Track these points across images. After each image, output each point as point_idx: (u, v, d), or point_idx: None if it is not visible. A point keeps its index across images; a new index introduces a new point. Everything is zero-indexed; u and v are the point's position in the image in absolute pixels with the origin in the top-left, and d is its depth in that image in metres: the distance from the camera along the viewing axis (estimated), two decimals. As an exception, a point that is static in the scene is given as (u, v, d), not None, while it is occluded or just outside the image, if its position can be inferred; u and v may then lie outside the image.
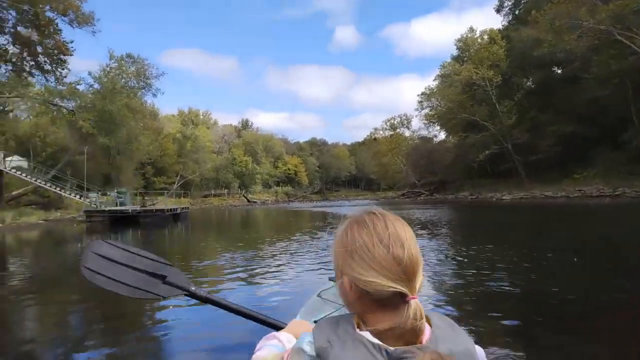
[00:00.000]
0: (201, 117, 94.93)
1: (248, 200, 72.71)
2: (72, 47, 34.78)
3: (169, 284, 1.60)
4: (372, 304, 0.82)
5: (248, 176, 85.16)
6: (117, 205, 28.54)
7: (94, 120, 33.98)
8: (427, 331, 0.82)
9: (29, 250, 15.46)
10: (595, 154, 39.79)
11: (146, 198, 31.50)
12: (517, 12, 55.34)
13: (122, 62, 36.38)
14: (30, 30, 33.36)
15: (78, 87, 35.51)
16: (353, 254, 0.83)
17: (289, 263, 9.33)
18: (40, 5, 30.32)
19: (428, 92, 68.91)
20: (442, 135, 72.81)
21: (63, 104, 34.52)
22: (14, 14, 32.22)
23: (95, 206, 27.55)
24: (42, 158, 43.44)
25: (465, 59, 54.66)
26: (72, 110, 34.33)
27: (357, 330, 0.81)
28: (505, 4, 58.21)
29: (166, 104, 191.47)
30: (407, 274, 0.80)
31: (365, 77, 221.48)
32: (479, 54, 47.97)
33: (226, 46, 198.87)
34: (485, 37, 50.21)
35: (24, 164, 39.23)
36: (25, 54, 34.44)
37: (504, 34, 48.82)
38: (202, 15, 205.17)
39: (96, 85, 36.04)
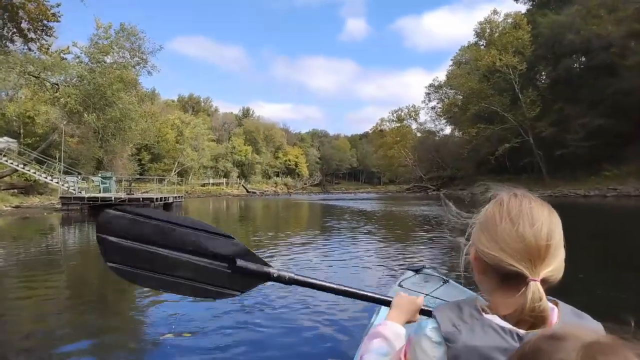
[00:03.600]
0: (202, 104, 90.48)
1: (247, 191, 68.30)
2: (59, 12, 30.19)
3: (240, 271, 1.16)
4: (496, 281, 0.81)
5: (247, 166, 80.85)
6: (100, 192, 24.10)
7: (81, 95, 29.35)
8: (555, 316, 0.78)
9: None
10: (629, 150, 35.51)
11: (133, 185, 26.99)
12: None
13: (109, 31, 31.53)
14: (10, -9, 28.84)
15: (65, 57, 30.89)
16: (482, 226, 0.84)
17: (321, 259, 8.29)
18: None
19: (436, 84, 65.01)
20: (447, 130, 68.86)
21: (46, 77, 29.83)
22: (-10, -28, 27.70)
23: (74, 192, 23.08)
24: (32, 140, 39.18)
25: (483, 45, 50.18)
26: (56, 84, 29.71)
27: (483, 314, 0.78)
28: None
29: (170, 91, 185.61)
30: (531, 254, 0.76)
31: (371, 70, 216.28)
32: (503, 38, 43.34)
33: (234, 35, 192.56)
34: (510, 20, 45.53)
35: (14, 145, 35.71)
36: (5, 19, 29.89)
37: (529, 18, 44.17)
38: (212, 2, 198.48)
39: (84, 57, 31.33)
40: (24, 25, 29.81)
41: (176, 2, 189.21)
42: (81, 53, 31.21)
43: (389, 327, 1.05)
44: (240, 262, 1.17)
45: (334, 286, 1.24)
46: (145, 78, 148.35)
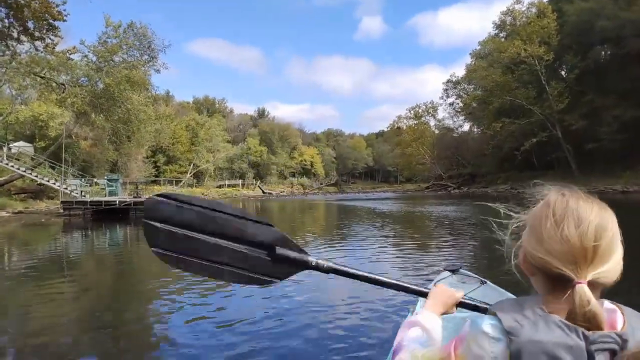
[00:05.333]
0: (217, 105, 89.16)
1: (263, 192, 66.56)
2: (65, 11, 28.74)
3: (280, 259, 1.19)
4: (545, 282, 0.78)
5: (263, 166, 79.18)
6: (106, 196, 22.47)
7: (87, 96, 27.88)
8: (619, 320, 0.76)
9: None
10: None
11: (145, 187, 25.08)
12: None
13: (119, 29, 29.93)
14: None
15: (72, 57, 29.45)
16: (530, 228, 0.81)
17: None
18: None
19: (454, 80, 62.50)
20: (466, 126, 66.14)
21: (52, 77, 28.40)
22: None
23: (76, 195, 21.45)
24: (45, 144, 38.10)
25: (503, 37, 47.48)
26: (62, 84, 28.26)
27: (547, 311, 0.75)
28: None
29: (186, 93, 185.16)
30: (575, 256, 0.73)
31: (387, 68, 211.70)
32: (527, 28, 40.61)
33: (251, 36, 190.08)
34: (534, 10, 42.73)
35: (29, 149, 35.04)
36: (10, 18, 28.58)
37: (554, 7, 41.38)
38: (229, 4, 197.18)
39: (91, 56, 29.77)
40: (29, 24, 28.55)
41: (193, 5, 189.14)
42: (89, 52, 29.68)
43: (426, 316, 1.03)
44: (279, 250, 1.18)
45: (371, 276, 1.22)
46: (160, 80, 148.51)
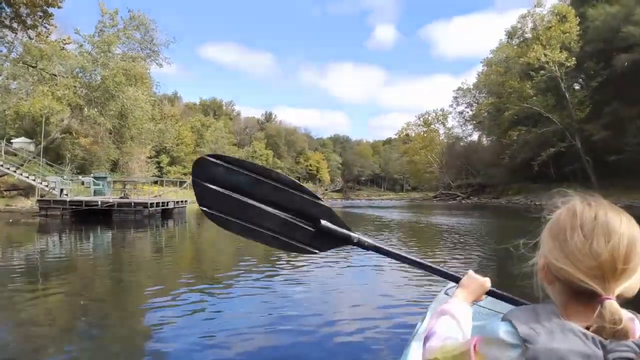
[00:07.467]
0: (224, 107, 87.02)
1: (267, 196, 64.18)
2: (60, -2, 26.50)
3: (323, 231, 1.19)
4: (565, 293, 0.74)
5: (268, 170, 76.78)
6: (92, 195, 19.99)
7: (81, 88, 25.65)
8: (637, 328, 0.72)
9: None
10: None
11: (128, 187, 22.48)
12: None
13: (116, 17, 27.73)
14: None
15: (66, 47, 27.27)
16: (553, 236, 0.75)
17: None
18: None
19: (465, 87, 60.05)
20: (475, 136, 63.47)
21: (43, 67, 26.13)
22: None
23: (56, 194, 19.00)
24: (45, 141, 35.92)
25: (516, 45, 44.78)
26: (55, 75, 26.00)
27: (562, 318, 0.72)
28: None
29: (197, 94, 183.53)
30: (605, 271, 0.69)
31: (398, 76, 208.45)
32: (547, 32, 37.89)
33: (265, 42, 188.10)
34: (554, 13, 39.92)
35: (29, 146, 33.01)
36: (2, 4, 26.40)
37: (577, 11, 38.69)
38: (245, 9, 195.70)
39: (87, 46, 27.54)
40: (22, 10, 26.34)
41: (210, 9, 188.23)
42: (84, 41, 27.41)
43: (457, 306, 0.97)
44: (323, 223, 1.18)
45: (409, 257, 1.22)
46: (171, 81, 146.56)
